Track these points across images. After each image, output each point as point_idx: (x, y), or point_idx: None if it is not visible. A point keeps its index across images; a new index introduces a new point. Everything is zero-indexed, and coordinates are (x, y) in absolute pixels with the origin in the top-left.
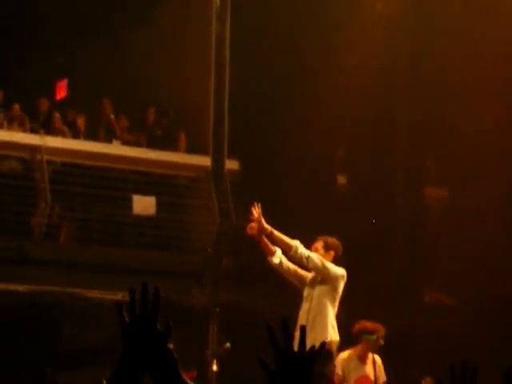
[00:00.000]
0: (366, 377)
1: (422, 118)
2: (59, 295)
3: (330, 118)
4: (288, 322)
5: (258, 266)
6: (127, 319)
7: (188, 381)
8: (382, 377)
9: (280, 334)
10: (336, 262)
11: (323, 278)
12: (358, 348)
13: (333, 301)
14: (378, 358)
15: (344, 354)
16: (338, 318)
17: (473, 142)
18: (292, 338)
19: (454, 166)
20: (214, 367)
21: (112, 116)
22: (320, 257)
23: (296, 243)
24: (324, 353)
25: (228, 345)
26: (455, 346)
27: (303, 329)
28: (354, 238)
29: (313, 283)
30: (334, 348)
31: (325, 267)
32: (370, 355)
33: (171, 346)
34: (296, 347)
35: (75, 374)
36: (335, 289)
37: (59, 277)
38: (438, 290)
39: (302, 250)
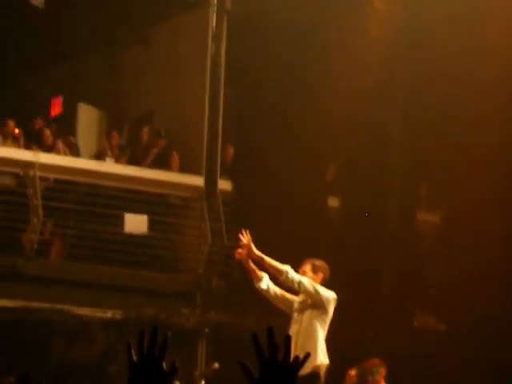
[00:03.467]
0: None
1: (415, 143)
2: (49, 312)
3: (322, 140)
4: (273, 332)
5: (249, 286)
6: (135, 358)
7: None
8: None
9: (265, 343)
10: (325, 284)
11: (314, 302)
12: None
13: (323, 324)
14: None
15: None
16: (328, 341)
17: (466, 166)
18: (277, 347)
19: (447, 190)
20: None
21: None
22: (311, 281)
23: (287, 268)
24: (312, 375)
25: (216, 365)
26: (444, 371)
27: (288, 339)
28: (345, 261)
29: (303, 306)
30: (323, 371)
31: (317, 292)
32: None
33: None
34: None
35: None
36: (326, 312)
37: (50, 293)
38: (429, 315)
39: (293, 275)
